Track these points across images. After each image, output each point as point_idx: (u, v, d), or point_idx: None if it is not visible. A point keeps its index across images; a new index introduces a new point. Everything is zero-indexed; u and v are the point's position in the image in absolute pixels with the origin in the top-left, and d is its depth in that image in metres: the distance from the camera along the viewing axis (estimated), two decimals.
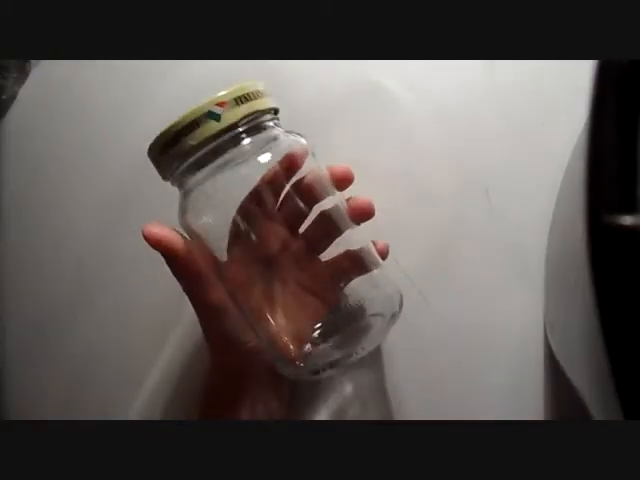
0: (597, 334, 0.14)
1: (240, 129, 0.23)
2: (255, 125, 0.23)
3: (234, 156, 0.23)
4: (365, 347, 0.25)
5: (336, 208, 0.26)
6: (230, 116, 0.22)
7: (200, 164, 0.23)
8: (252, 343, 0.25)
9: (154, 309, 0.32)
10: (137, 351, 0.32)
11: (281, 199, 0.26)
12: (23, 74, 0.39)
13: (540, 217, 0.29)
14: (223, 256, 0.24)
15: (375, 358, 0.30)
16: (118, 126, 0.37)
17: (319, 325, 0.24)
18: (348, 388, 0.30)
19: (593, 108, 0.15)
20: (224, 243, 0.24)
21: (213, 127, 0.22)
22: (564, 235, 0.24)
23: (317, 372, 0.24)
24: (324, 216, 0.26)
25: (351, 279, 0.25)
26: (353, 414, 0.29)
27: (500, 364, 0.29)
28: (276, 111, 0.25)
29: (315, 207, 0.26)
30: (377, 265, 0.25)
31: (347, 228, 0.26)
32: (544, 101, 0.32)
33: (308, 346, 0.24)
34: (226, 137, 0.22)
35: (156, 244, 0.24)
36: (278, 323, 0.24)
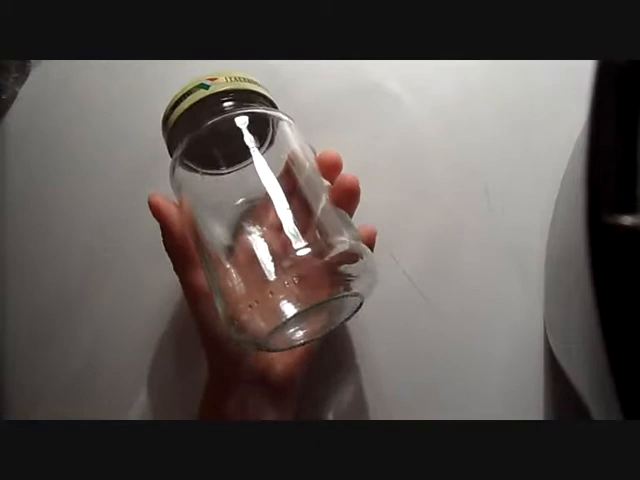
0: (597, 334, 0.14)
1: (225, 98, 0.24)
2: (244, 103, 0.25)
3: (223, 127, 0.24)
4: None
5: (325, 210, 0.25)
6: (218, 87, 0.24)
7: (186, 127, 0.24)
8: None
9: (154, 310, 0.32)
10: (137, 351, 0.32)
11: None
12: (23, 74, 0.39)
13: (540, 217, 0.29)
14: (206, 232, 0.24)
15: (374, 358, 0.30)
16: (118, 126, 0.37)
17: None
18: (347, 388, 0.30)
19: (593, 108, 0.15)
20: (212, 225, 0.24)
21: (201, 93, 0.24)
22: (564, 235, 0.24)
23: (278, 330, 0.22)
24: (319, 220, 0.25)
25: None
26: (352, 414, 0.29)
27: (500, 364, 0.29)
28: (272, 103, 0.26)
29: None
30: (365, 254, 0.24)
31: (341, 230, 0.24)
32: (544, 101, 0.32)
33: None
34: (212, 103, 0.24)
35: (155, 210, 0.26)
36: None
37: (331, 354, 0.30)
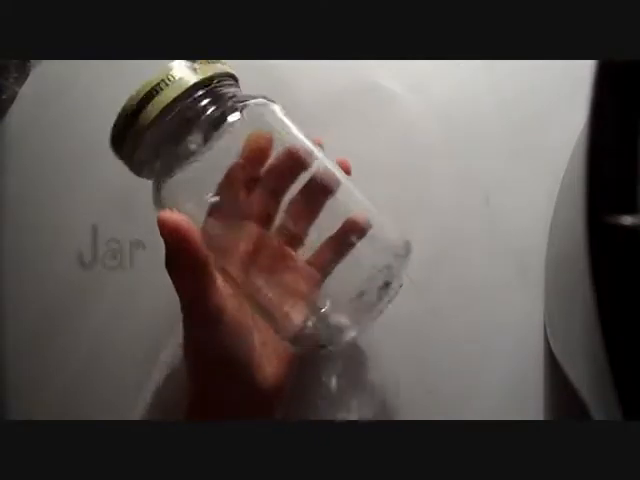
0: (597, 334, 0.14)
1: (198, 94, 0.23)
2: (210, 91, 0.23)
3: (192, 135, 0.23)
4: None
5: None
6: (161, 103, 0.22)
7: (163, 139, 0.23)
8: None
9: (155, 310, 0.32)
10: (138, 351, 0.32)
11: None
12: (23, 74, 0.39)
13: (540, 218, 0.29)
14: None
15: (374, 358, 0.30)
16: None
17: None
18: (347, 388, 0.30)
19: (593, 108, 0.15)
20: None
21: (168, 95, 0.22)
22: (564, 235, 0.24)
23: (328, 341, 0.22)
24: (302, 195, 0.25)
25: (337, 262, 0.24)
26: (352, 414, 0.29)
27: (500, 364, 0.29)
28: (235, 79, 0.25)
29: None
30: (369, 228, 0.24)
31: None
32: (544, 101, 0.32)
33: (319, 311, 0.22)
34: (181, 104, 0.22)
35: (173, 230, 0.22)
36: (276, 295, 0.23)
37: (330, 355, 0.30)
